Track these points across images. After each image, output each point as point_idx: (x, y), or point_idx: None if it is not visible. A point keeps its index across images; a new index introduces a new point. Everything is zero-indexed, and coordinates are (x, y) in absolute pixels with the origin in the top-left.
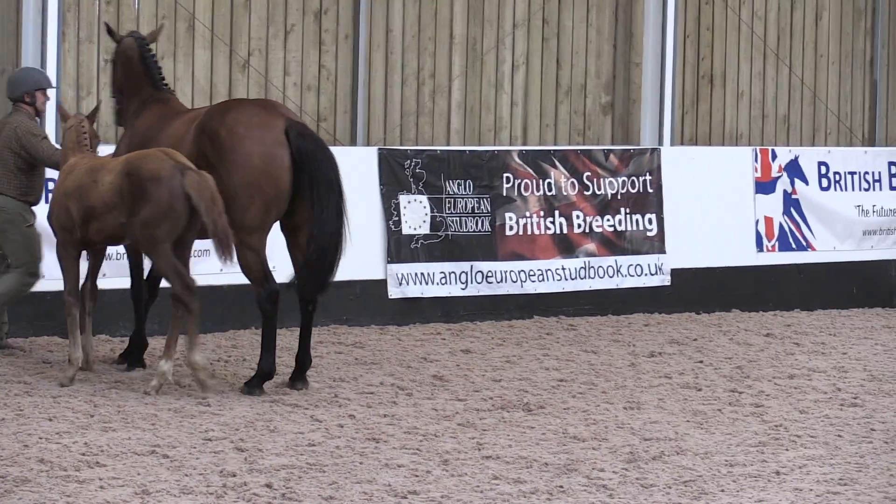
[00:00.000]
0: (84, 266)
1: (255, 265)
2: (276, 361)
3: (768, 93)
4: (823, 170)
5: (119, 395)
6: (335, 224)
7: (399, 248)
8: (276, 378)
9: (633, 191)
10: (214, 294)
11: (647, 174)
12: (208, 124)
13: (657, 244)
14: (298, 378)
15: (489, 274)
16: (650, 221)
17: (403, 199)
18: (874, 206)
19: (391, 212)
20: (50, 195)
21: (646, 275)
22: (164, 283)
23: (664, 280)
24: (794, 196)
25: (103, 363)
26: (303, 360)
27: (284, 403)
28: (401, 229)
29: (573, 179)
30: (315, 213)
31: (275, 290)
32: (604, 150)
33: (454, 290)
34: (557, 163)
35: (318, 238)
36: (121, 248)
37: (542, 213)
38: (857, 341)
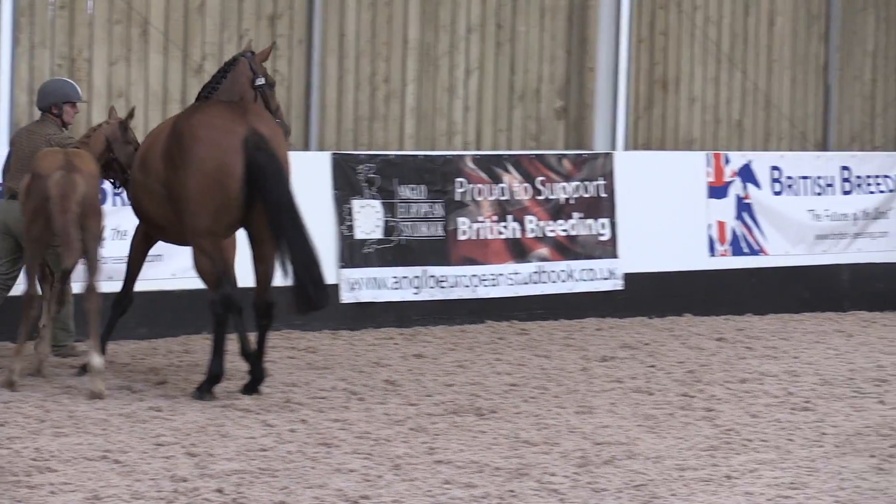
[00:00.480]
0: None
1: (207, 269)
2: (224, 365)
3: (721, 98)
4: (776, 174)
5: (70, 401)
6: (302, 243)
7: (352, 252)
8: (229, 383)
9: (586, 195)
10: (166, 299)
11: (601, 179)
12: (178, 122)
13: (610, 249)
14: (252, 390)
15: (442, 278)
16: (603, 226)
17: (356, 203)
18: (826, 210)
19: (344, 216)
20: None
21: (598, 279)
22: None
23: (617, 284)
24: (746, 201)
25: (55, 367)
26: (257, 375)
27: (236, 408)
28: (353, 234)
29: (526, 184)
30: (275, 234)
31: (227, 295)
32: (557, 154)
33: (407, 295)
34: (511, 167)
35: (293, 262)
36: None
37: (495, 218)
38: (809, 345)
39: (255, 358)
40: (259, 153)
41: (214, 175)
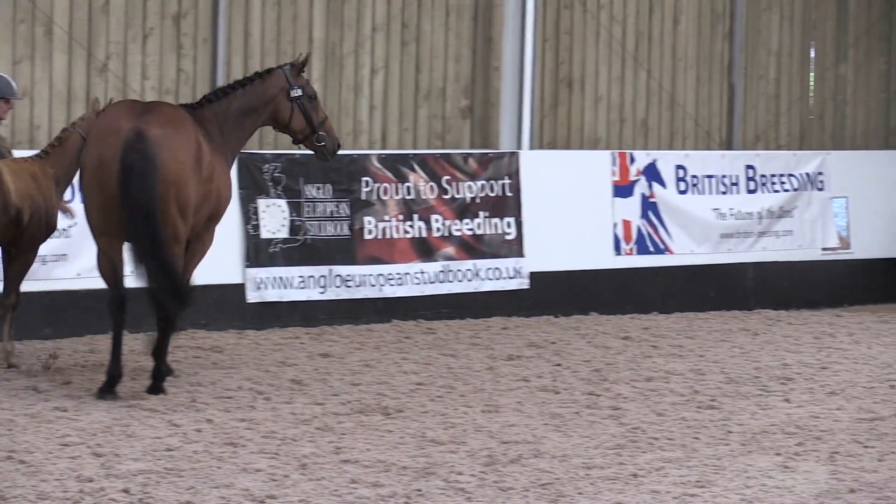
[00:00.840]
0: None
1: (102, 268)
2: (120, 365)
3: (627, 97)
4: (681, 173)
5: None
6: (150, 249)
7: (258, 252)
8: (135, 383)
9: (491, 195)
10: (72, 298)
11: (506, 178)
12: None
13: (516, 248)
14: (155, 390)
15: (348, 278)
16: (509, 225)
17: (262, 203)
18: (731, 209)
19: (250, 216)
20: None
21: (504, 278)
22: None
23: (523, 283)
24: (651, 199)
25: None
26: (153, 373)
27: (142, 408)
28: (259, 233)
29: (432, 183)
30: (127, 235)
31: (119, 296)
32: (463, 154)
33: (313, 295)
34: (416, 167)
35: (140, 265)
36: None
37: (401, 217)
38: (715, 344)
39: (155, 358)
40: (130, 151)
41: (95, 172)
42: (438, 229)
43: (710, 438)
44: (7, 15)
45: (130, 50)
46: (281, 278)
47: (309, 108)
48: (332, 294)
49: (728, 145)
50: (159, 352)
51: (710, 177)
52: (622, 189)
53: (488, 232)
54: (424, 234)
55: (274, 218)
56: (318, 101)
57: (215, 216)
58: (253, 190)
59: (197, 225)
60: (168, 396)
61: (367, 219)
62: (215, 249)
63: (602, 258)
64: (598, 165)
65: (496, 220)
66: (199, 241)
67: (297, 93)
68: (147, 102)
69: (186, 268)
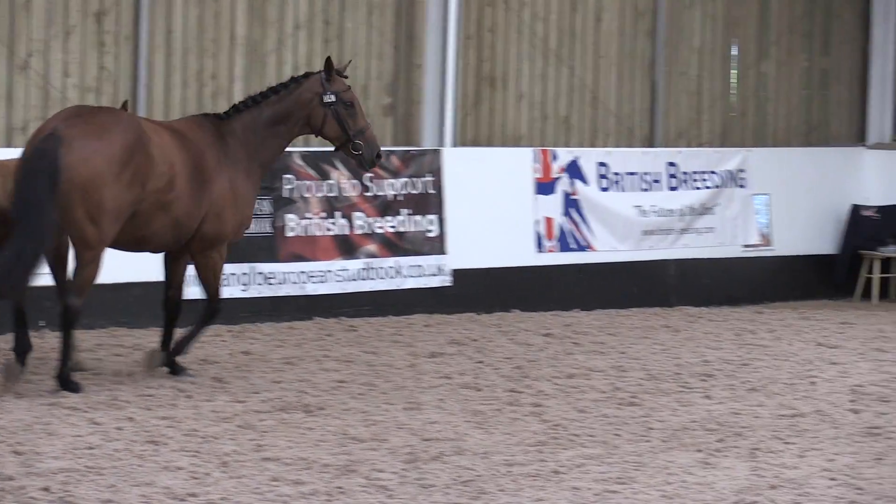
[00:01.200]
0: None
1: None
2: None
3: (549, 94)
4: (603, 170)
5: None
6: (21, 243)
7: None
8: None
9: (414, 192)
10: None
11: (429, 175)
12: None
13: (438, 245)
14: (64, 386)
15: (270, 275)
16: (431, 222)
17: None
18: (653, 206)
19: None
20: None
21: (426, 275)
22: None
23: (445, 281)
24: (573, 197)
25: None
26: (56, 374)
27: (63, 406)
28: None
29: (354, 181)
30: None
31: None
32: (385, 151)
33: (235, 292)
34: (339, 164)
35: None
36: None
37: (323, 215)
38: (636, 340)
39: (60, 355)
40: (37, 151)
41: (16, 171)
42: (361, 227)
43: (631, 435)
44: None
45: (52, 47)
46: None
47: (345, 115)
48: (254, 291)
49: (650, 142)
50: (62, 351)
51: (631, 174)
52: (544, 186)
53: (411, 229)
54: (347, 232)
55: None
56: (357, 108)
57: (216, 236)
58: None
59: (167, 234)
60: (89, 394)
61: (289, 216)
62: None
63: (524, 255)
64: (520, 163)
65: (418, 217)
66: (203, 258)
67: (330, 98)
68: (96, 108)
69: (207, 279)
